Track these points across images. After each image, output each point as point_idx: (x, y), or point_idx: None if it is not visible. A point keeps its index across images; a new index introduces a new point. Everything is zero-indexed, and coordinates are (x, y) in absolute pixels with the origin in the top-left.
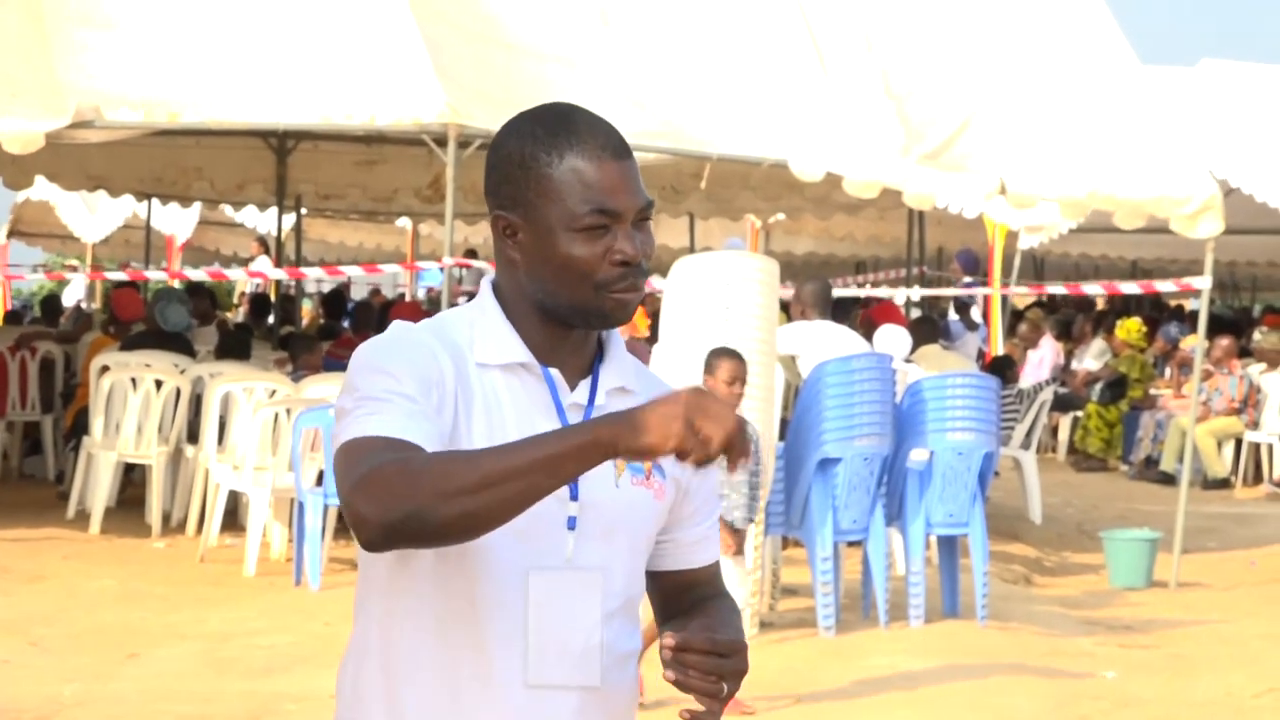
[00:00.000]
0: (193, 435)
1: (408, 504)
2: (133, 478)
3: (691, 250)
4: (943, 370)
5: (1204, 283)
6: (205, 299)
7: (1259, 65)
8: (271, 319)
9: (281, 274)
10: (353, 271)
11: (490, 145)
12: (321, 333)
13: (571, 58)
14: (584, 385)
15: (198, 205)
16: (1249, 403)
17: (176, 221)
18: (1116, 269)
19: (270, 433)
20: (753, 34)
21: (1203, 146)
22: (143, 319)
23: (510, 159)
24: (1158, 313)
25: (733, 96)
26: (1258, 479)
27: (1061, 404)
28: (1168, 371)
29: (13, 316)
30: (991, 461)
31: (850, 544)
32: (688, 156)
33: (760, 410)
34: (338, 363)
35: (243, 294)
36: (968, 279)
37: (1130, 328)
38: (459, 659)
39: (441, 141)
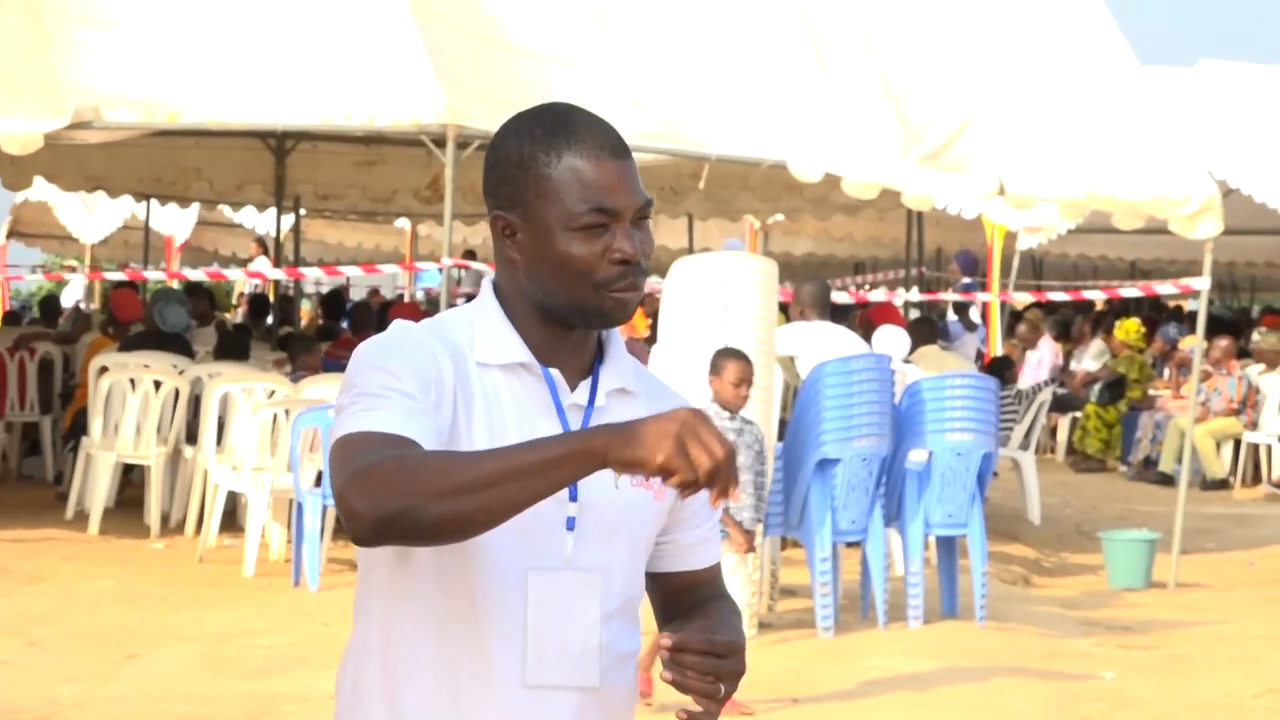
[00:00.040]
0: (191, 436)
1: (401, 501)
2: (131, 478)
3: (690, 251)
4: (941, 371)
5: (1203, 283)
6: (204, 300)
7: (1258, 66)
8: (270, 320)
9: (280, 274)
10: (351, 272)
11: (489, 146)
12: (320, 333)
13: (570, 58)
14: (584, 386)
15: (196, 206)
16: (1248, 403)
17: (175, 222)
18: (1115, 269)
19: (269, 433)
20: (752, 35)
21: (1201, 147)
22: (141, 320)
23: (509, 159)
24: (1156, 313)
25: (732, 97)
26: (1256, 480)
27: (1060, 405)
28: (1166, 372)
29: (11, 317)
30: (990, 462)
31: (849, 545)
32: (686, 157)
33: (759, 411)
34: (336, 363)
35: (241, 295)
36: (966, 279)
37: (1129, 328)
38: (459, 659)
39: (440, 142)
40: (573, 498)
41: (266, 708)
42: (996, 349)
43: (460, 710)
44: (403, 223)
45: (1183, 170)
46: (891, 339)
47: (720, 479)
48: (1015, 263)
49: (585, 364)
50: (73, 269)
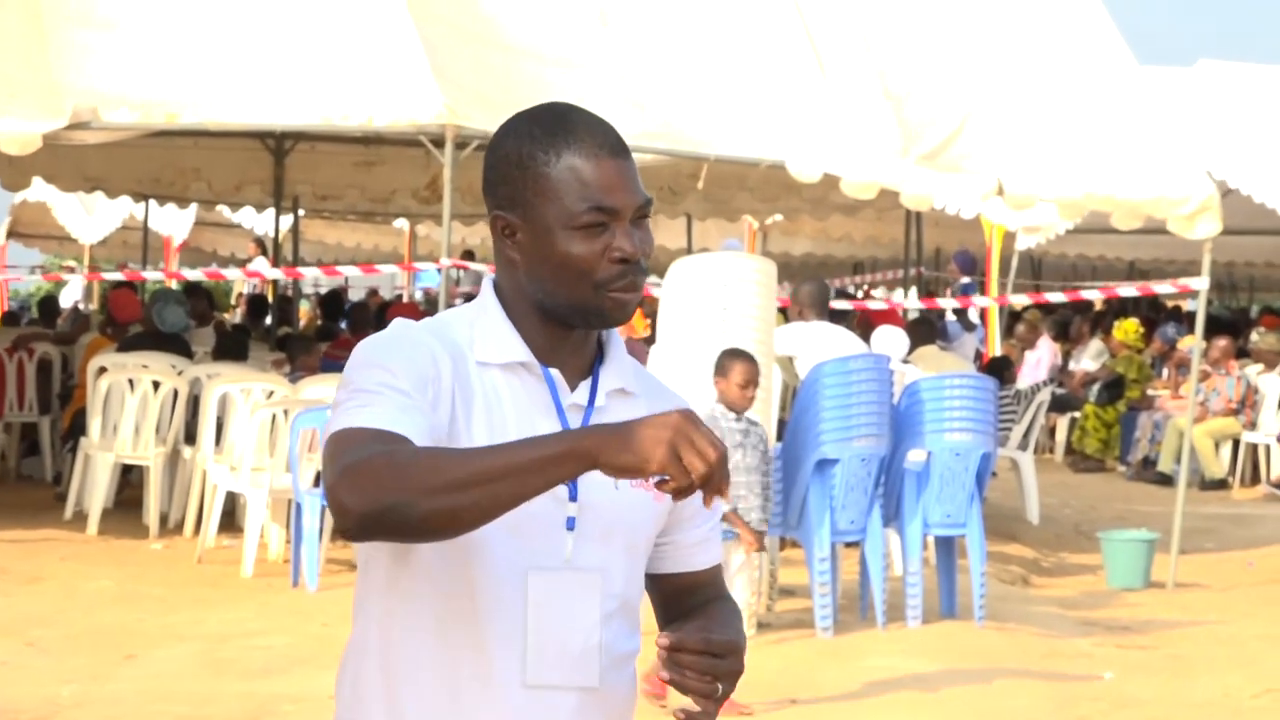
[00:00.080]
0: (190, 436)
1: (390, 496)
2: (130, 479)
3: (689, 251)
4: (940, 371)
5: (1201, 283)
6: (203, 300)
7: (1257, 66)
8: (269, 320)
9: (278, 274)
10: (350, 272)
11: (488, 145)
12: (319, 334)
13: (569, 59)
14: (584, 386)
15: (194, 206)
16: (1246, 403)
17: (174, 222)
18: (1114, 269)
19: (268, 434)
20: (750, 35)
21: (1200, 147)
22: (140, 320)
23: (508, 159)
24: (1155, 313)
25: (730, 97)
26: (1255, 480)
27: (1059, 405)
28: (1165, 372)
29: (10, 317)
30: (989, 462)
31: (848, 545)
32: (685, 157)
33: (759, 411)
34: (335, 364)
35: (240, 295)
36: (965, 279)
37: (1128, 328)
38: (458, 659)
39: (439, 143)
40: (572, 497)
41: (265, 708)
42: (995, 349)
43: (460, 710)
44: (401, 223)
45: (1181, 170)
46: (890, 339)
47: (714, 482)
48: (1014, 263)
49: (585, 364)
50: (71, 269)
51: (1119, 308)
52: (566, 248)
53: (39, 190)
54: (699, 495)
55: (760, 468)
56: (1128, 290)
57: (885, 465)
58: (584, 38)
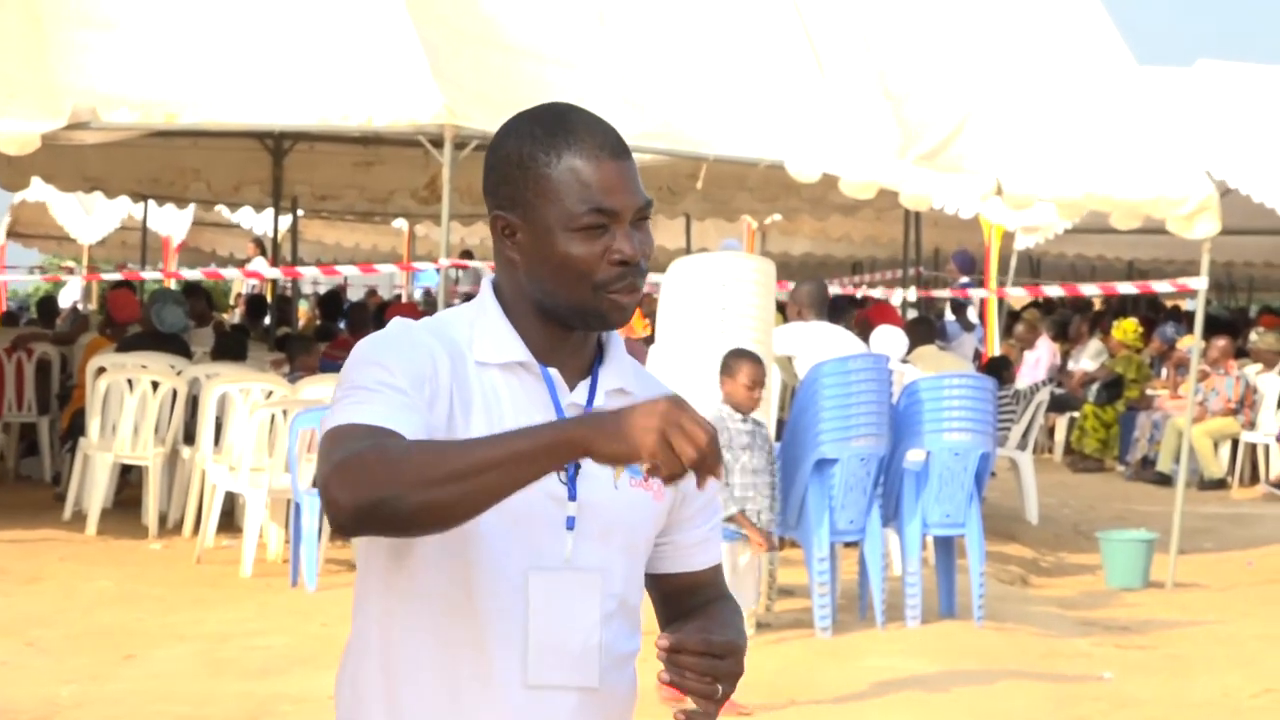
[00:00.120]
0: (189, 436)
1: (381, 490)
2: (129, 479)
3: (688, 251)
4: (939, 371)
5: (1200, 283)
6: (202, 300)
7: (1256, 66)
8: (268, 320)
9: (277, 273)
10: (349, 272)
11: (489, 145)
12: (318, 334)
13: (568, 59)
14: (583, 386)
15: (193, 206)
16: (1245, 403)
17: (173, 223)
18: (1113, 269)
19: (267, 434)
20: (749, 35)
21: (1199, 147)
22: (139, 320)
23: (509, 159)
24: (1154, 313)
25: (729, 97)
26: (1254, 479)
27: (1058, 404)
28: (1164, 372)
29: (9, 318)
30: (988, 462)
31: (847, 545)
32: (684, 157)
33: (758, 411)
34: (334, 364)
35: (239, 295)
36: (964, 279)
37: (1127, 328)
38: (458, 659)
39: (438, 143)
40: (572, 497)
41: (265, 708)
42: (994, 349)
43: (460, 710)
44: (400, 223)
45: (1180, 170)
46: (889, 339)
47: (706, 464)
48: (1013, 262)
49: (585, 364)
50: (70, 270)
51: (1118, 307)
52: (566, 249)
53: (38, 190)
54: (699, 496)
55: (767, 468)
56: (1126, 288)
57: (884, 465)
58: (583, 38)
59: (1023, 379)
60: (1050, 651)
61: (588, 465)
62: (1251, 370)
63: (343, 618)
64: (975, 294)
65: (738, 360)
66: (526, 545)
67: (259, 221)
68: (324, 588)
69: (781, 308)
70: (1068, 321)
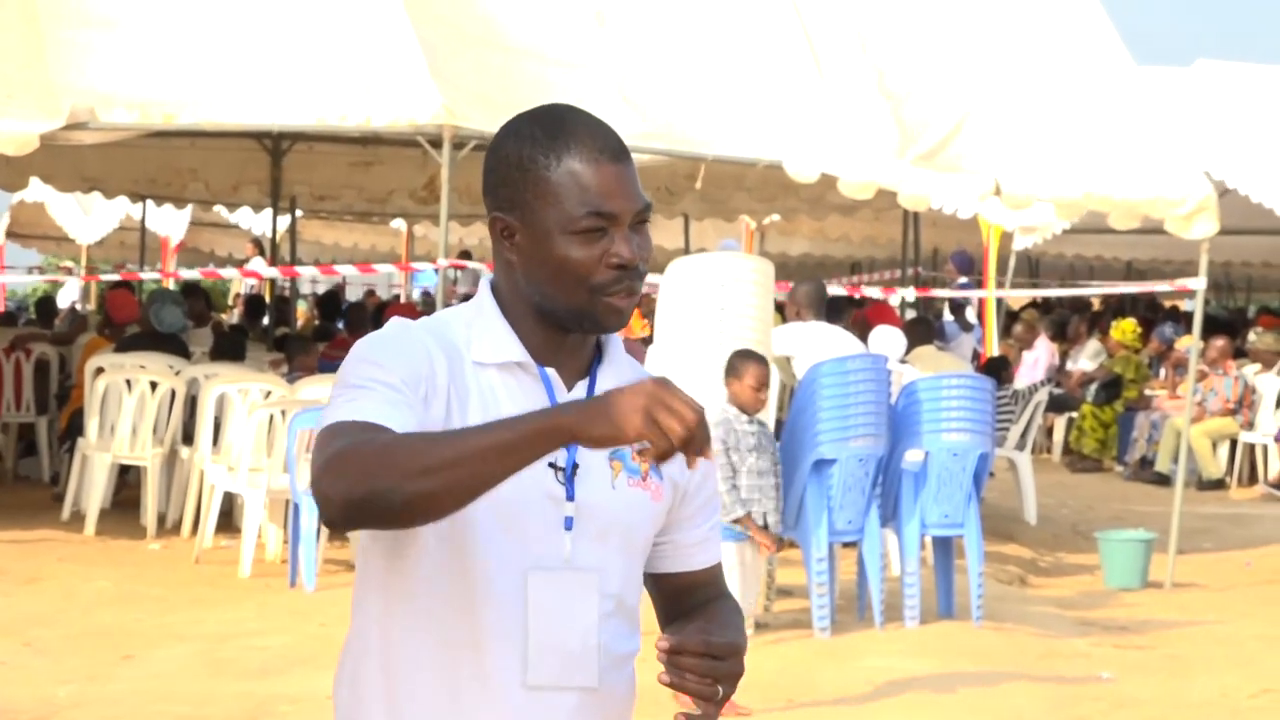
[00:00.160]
0: (188, 437)
1: (372, 482)
2: (128, 479)
3: (686, 251)
4: (938, 371)
5: (1199, 283)
6: (200, 300)
7: (1254, 66)
8: (266, 320)
9: (275, 272)
10: (347, 271)
11: (489, 147)
12: (316, 334)
13: (567, 59)
14: (581, 386)
15: (191, 206)
16: (1244, 403)
17: (172, 223)
18: (1111, 270)
19: (265, 434)
20: (748, 35)
21: (1198, 147)
22: (137, 320)
23: (508, 160)
24: (1153, 313)
25: (728, 97)
26: (1253, 479)
27: (1056, 405)
28: (1163, 372)
29: (7, 318)
30: (986, 462)
31: (845, 545)
32: (683, 157)
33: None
34: (333, 364)
35: (238, 295)
36: (963, 280)
37: (1125, 328)
38: (458, 659)
39: (436, 143)
40: (570, 497)
41: (264, 708)
42: (993, 349)
43: (459, 710)
44: (399, 223)
45: (1179, 170)
46: (888, 339)
47: (694, 443)
48: (1011, 263)
49: (583, 365)
50: (69, 270)
51: (1116, 308)
52: (565, 252)
53: (36, 190)
54: (698, 496)
55: (772, 470)
56: (1125, 288)
57: (883, 465)
58: (581, 38)
59: (1021, 379)
60: (1049, 652)
61: (586, 465)
62: (1250, 370)
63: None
64: (974, 294)
65: (744, 361)
66: (525, 546)
67: (257, 221)
68: (323, 588)
69: (780, 308)
70: (1066, 321)
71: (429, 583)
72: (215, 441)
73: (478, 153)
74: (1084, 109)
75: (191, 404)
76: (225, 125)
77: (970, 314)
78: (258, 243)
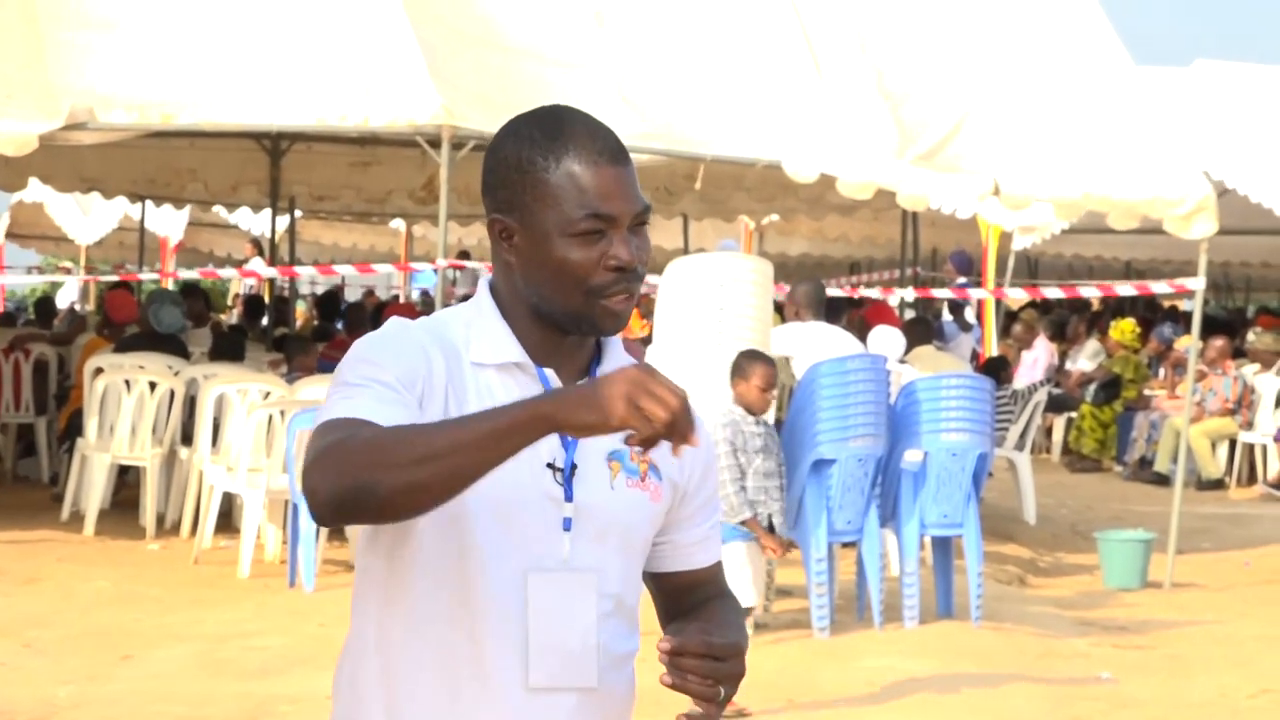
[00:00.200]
0: (187, 437)
1: (356, 476)
2: (127, 479)
3: (685, 251)
4: (937, 371)
5: (1198, 283)
6: (199, 301)
7: (1253, 66)
8: (265, 320)
9: (274, 273)
10: (346, 272)
11: (488, 147)
12: (316, 334)
13: (566, 59)
14: None
15: (190, 207)
16: (1243, 403)
17: (170, 223)
18: (1110, 270)
19: (264, 434)
20: (747, 35)
21: (1197, 147)
22: (136, 321)
23: (507, 162)
24: (1152, 313)
25: (727, 98)
26: (1252, 480)
27: (1056, 405)
28: (1162, 372)
29: (7, 318)
30: (986, 462)
31: (844, 545)
32: (682, 158)
33: None
34: (332, 364)
35: (237, 296)
36: (962, 280)
37: (1124, 328)
38: (457, 659)
39: (435, 143)
40: (568, 498)
41: (263, 709)
42: (992, 349)
43: (459, 710)
44: (398, 223)
45: (1178, 170)
46: (887, 339)
47: (678, 429)
48: (1010, 263)
49: (582, 365)
50: (67, 270)
51: (1115, 307)
52: (563, 254)
53: (35, 191)
54: (698, 495)
55: (777, 471)
56: (1124, 288)
57: (882, 465)
58: (580, 38)
59: (1020, 379)
60: (1048, 652)
61: (584, 466)
62: (1249, 370)
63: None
64: (973, 294)
65: (751, 362)
66: (524, 546)
67: (256, 222)
68: (322, 588)
69: (779, 308)
70: (1065, 322)
71: (428, 583)
72: (214, 442)
73: (476, 153)
74: (1083, 109)
75: (190, 404)
76: (224, 125)
77: (969, 314)
78: (257, 243)
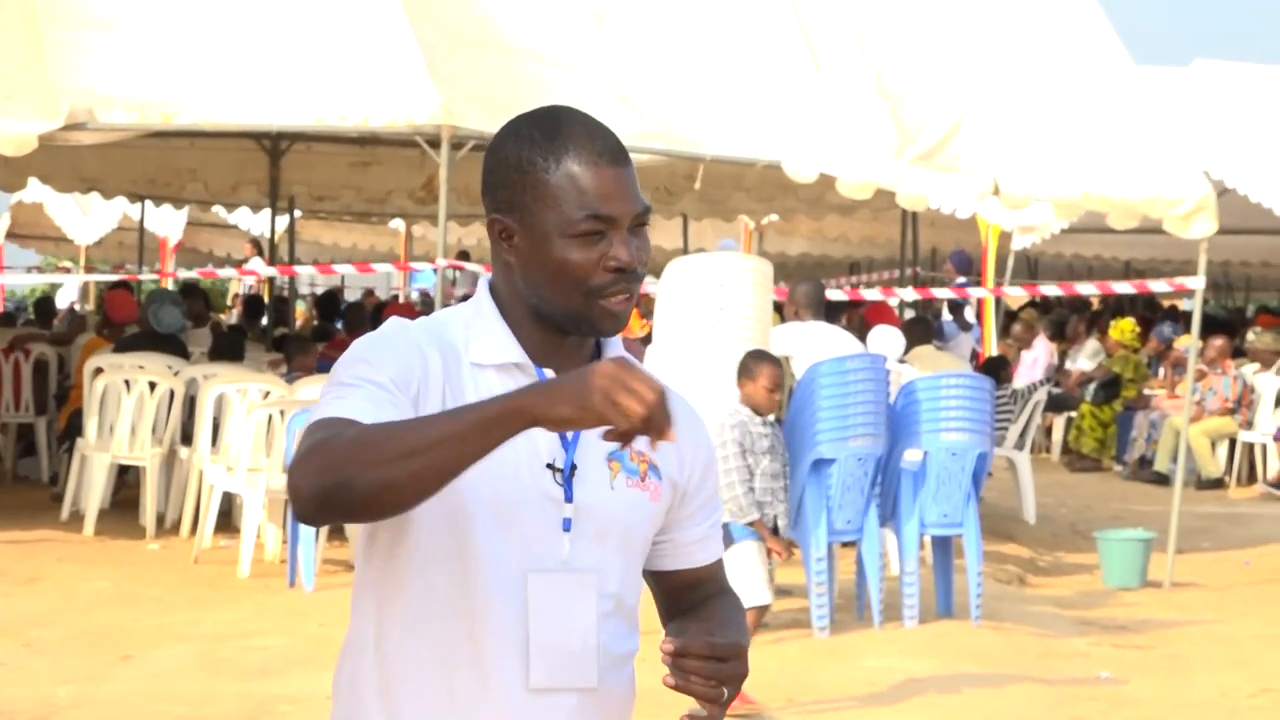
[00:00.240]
0: (186, 437)
1: (336, 474)
2: (127, 479)
3: (685, 251)
4: (936, 371)
5: (1198, 283)
6: (199, 300)
7: (1252, 65)
8: (265, 320)
9: (274, 272)
10: (346, 272)
11: (488, 148)
12: (315, 334)
13: (565, 59)
14: None
15: (190, 207)
16: (1243, 403)
17: (170, 223)
18: (1110, 269)
19: (264, 434)
20: (746, 35)
21: (1196, 147)
22: (136, 321)
23: (507, 162)
24: (1151, 313)
25: (726, 97)
26: (1251, 479)
27: (1055, 404)
28: (1161, 371)
29: (6, 318)
30: (985, 462)
31: (844, 544)
32: (681, 158)
33: None
34: (331, 364)
35: (236, 296)
36: (961, 279)
37: (1124, 328)
38: (457, 660)
39: (435, 143)
40: (568, 499)
41: (263, 708)
42: (991, 349)
43: (458, 711)
44: (397, 223)
45: (1177, 170)
46: (886, 339)
47: (655, 423)
48: (1010, 262)
49: (582, 365)
50: (67, 270)
51: (1115, 307)
52: (563, 255)
53: (35, 191)
54: (698, 494)
55: (783, 472)
56: (1124, 287)
57: (882, 465)
58: (580, 38)
59: (1020, 379)
60: (1048, 651)
61: (584, 466)
62: (1249, 370)
63: (340, 618)
64: (974, 293)
65: (758, 362)
66: (524, 547)
67: (256, 222)
68: (321, 588)
69: (779, 308)
70: (1065, 321)
71: (428, 584)
72: (214, 442)
73: (476, 153)
74: (1082, 109)
75: (190, 404)
76: (224, 125)
77: (969, 313)
78: (256, 243)
